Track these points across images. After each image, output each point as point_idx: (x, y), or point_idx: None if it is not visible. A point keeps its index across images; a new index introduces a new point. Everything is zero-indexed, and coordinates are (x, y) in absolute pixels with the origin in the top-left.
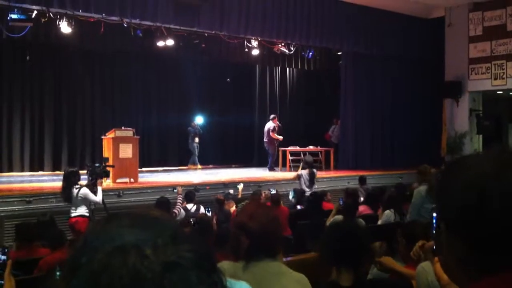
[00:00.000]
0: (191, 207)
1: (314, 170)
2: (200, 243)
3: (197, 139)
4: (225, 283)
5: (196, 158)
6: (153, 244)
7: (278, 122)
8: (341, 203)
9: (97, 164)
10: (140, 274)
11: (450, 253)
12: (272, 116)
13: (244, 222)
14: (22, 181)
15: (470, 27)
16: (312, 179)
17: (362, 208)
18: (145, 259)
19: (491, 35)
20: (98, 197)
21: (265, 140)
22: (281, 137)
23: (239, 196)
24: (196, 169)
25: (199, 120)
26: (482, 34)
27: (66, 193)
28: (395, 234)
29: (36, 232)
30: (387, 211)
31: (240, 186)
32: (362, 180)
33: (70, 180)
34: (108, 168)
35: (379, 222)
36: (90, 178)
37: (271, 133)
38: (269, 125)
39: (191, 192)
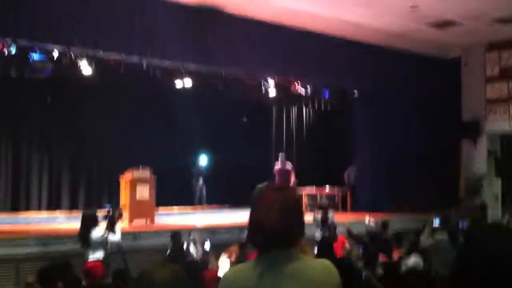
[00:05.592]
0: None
1: (330, 215)
2: None
3: (200, 180)
4: None
5: (196, 199)
6: None
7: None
8: (361, 251)
9: (109, 207)
10: None
11: None
12: (281, 154)
13: (259, 221)
14: (39, 222)
15: (486, 67)
16: (325, 223)
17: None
18: None
19: (508, 76)
20: (117, 236)
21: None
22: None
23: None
24: (198, 209)
25: (202, 160)
26: (499, 74)
27: (84, 237)
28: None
29: (58, 276)
30: (415, 259)
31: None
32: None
33: (88, 224)
34: (121, 210)
35: (405, 267)
36: (107, 223)
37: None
38: (288, 165)
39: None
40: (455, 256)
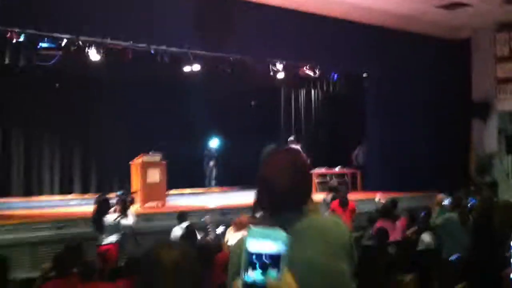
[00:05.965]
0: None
1: (339, 194)
2: None
3: (211, 162)
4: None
5: (206, 181)
6: None
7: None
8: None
9: (121, 192)
10: None
11: None
12: (291, 138)
13: (268, 180)
14: (52, 206)
15: (497, 47)
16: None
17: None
18: None
19: None
20: (130, 220)
21: None
22: None
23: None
24: (208, 192)
25: (214, 143)
26: (509, 54)
27: (98, 222)
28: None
29: (72, 262)
30: (426, 236)
31: None
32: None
33: (102, 209)
34: (133, 194)
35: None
36: (120, 208)
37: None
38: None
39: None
40: (465, 235)
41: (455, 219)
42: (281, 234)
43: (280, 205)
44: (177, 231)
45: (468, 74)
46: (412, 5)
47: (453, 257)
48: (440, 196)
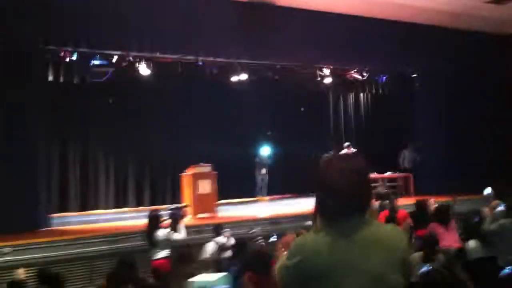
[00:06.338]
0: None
1: (386, 202)
2: None
3: (263, 171)
4: None
5: (257, 190)
6: None
7: (352, 149)
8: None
9: (172, 206)
10: None
11: None
12: (346, 144)
13: (331, 187)
14: (108, 220)
15: None
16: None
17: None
18: None
19: None
20: (182, 235)
21: None
22: None
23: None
24: (259, 200)
25: (265, 151)
26: None
27: (151, 237)
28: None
29: (127, 279)
30: (472, 243)
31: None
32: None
33: (153, 224)
34: (184, 208)
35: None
36: (172, 222)
37: None
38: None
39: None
40: None
41: (510, 226)
42: (224, 276)
43: (344, 210)
44: (211, 246)
45: None
46: (460, 2)
47: (509, 269)
48: (496, 201)
